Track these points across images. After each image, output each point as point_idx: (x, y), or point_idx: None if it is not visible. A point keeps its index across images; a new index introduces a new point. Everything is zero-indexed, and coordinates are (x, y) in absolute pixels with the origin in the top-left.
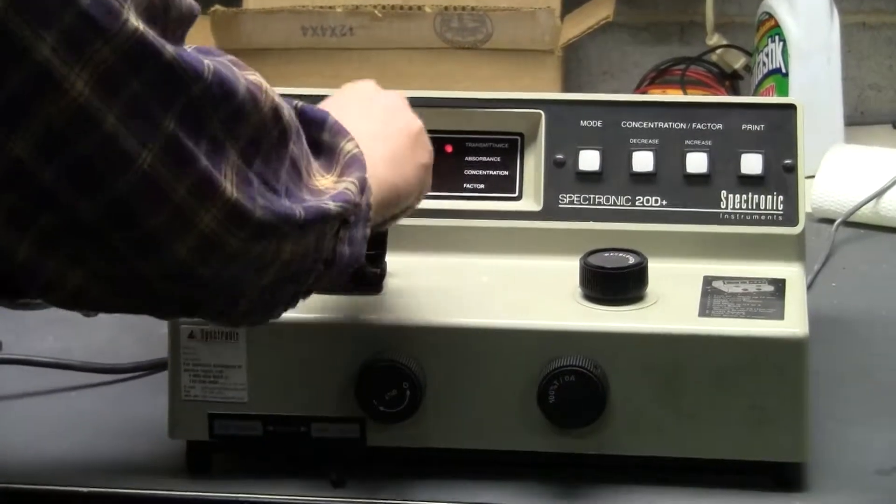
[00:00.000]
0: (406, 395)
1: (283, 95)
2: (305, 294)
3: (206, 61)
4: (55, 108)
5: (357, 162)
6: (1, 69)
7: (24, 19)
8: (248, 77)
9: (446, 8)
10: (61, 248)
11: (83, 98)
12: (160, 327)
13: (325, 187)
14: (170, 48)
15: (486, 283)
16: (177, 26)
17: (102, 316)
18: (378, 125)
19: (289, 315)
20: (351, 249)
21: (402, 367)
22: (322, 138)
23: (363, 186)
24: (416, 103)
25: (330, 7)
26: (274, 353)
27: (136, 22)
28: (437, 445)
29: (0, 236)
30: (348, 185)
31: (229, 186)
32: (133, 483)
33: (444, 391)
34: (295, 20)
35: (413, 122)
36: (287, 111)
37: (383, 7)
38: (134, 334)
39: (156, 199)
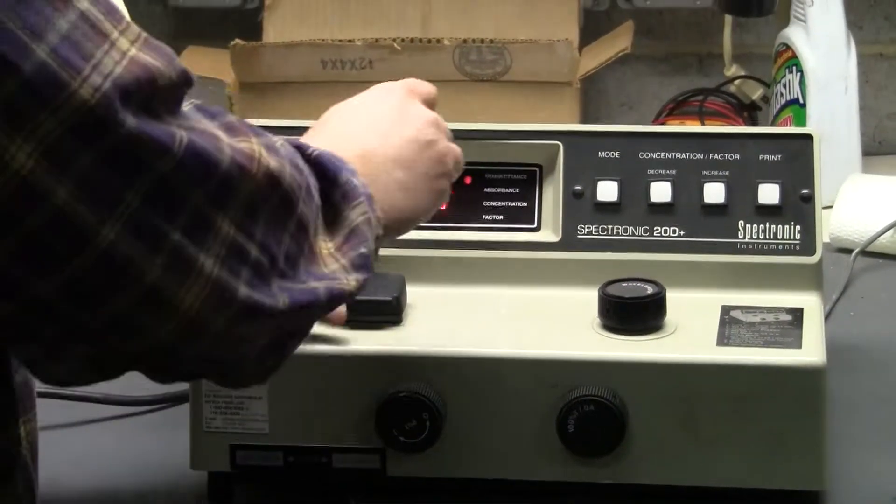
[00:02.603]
0: (426, 426)
1: (298, 128)
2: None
3: (180, 134)
4: None
5: (358, 236)
6: None
7: None
8: (236, 146)
9: (465, 41)
10: (34, 340)
11: (27, 171)
12: None
13: (324, 256)
14: (132, 120)
15: (505, 313)
16: (167, 95)
17: None
18: (402, 148)
19: (309, 347)
20: (346, 290)
21: (422, 398)
22: (332, 197)
23: (363, 264)
24: None
25: (349, 40)
26: (294, 385)
27: (89, 93)
28: (456, 475)
29: None
30: (343, 270)
31: (210, 263)
32: None
33: (463, 421)
34: (314, 53)
35: (441, 147)
36: (290, 174)
37: (402, 40)
38: None
39: (122, 278)
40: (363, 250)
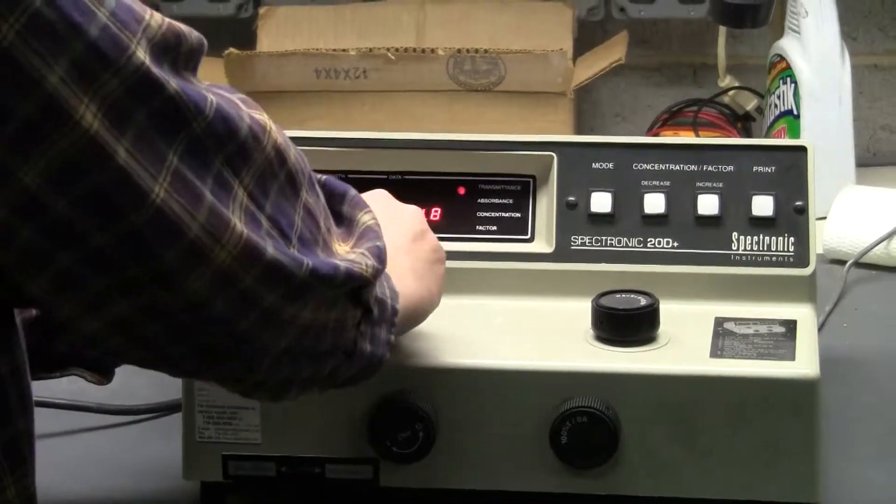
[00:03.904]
0: (419, 436)
1: (292, 138)
2: (322, 386)
3: (210, 97)
4: (66, 139)
5: (371, 232)
6: (9, 98)
7: (32, 48)
8: (253, 115)
9: (459, 51)
10: (78, 291)
11: (93, 130)
12: None
13: (341, 254)
14: (174, 82)
15: (499, 324)
16: (188, 59)
17: None
18: (401, 237)
19: None
20: (372, 348)
21: (415, 408)
22: (342, 210)
23: (378, 255)
24: (429, 146)
25: (343, 50)
26: None
27: (142, 55)
28: (449, 486)
29: (15, 276)
30: (360, 256)
31: (238, 223)
32: None
33: (456, 432)
34: (308, 63)
35: (432, 237)
36: (294, 155)
37: (396, 50)
38: (148, 376)
39: (171, 233)
40: (379, 244)
